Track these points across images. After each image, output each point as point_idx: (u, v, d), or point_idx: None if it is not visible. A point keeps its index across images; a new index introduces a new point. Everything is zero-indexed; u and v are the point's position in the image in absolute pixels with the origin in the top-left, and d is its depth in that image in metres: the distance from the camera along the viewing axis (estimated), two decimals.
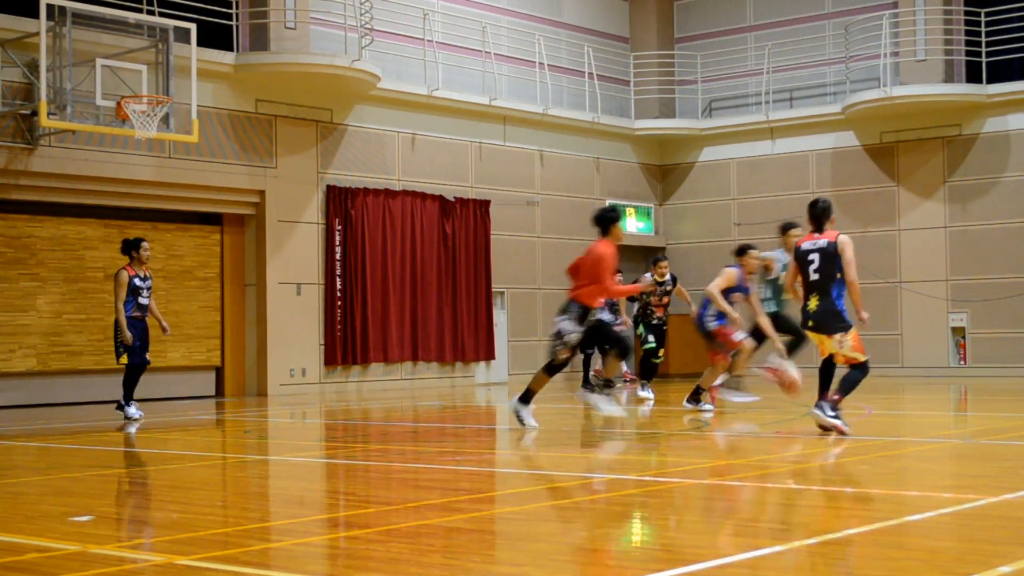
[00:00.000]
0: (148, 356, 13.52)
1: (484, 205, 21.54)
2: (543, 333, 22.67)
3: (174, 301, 17.98)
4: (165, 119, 15.39)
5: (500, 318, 21.97)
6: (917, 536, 5.55)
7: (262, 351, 18.58)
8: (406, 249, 20.26)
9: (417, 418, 14.01)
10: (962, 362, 21.60)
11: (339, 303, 19.33)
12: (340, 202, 19.42)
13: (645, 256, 24.67)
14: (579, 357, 16.74)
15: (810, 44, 23.75)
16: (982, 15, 21.47)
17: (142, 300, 13.35)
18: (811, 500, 6.63)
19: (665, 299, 16.15)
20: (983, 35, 21.48)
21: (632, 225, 24.44)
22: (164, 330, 13.73)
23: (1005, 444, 9.65)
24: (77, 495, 7.44)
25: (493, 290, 21.65)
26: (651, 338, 16.06)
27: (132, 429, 12.57)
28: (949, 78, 21.76)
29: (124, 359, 13.35)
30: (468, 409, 15.64)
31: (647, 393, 15.59)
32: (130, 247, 13.49)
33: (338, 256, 19.37)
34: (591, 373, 18.14)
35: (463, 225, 21.14)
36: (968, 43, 21.85)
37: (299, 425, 13.71)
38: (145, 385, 17.76)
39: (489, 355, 21.49)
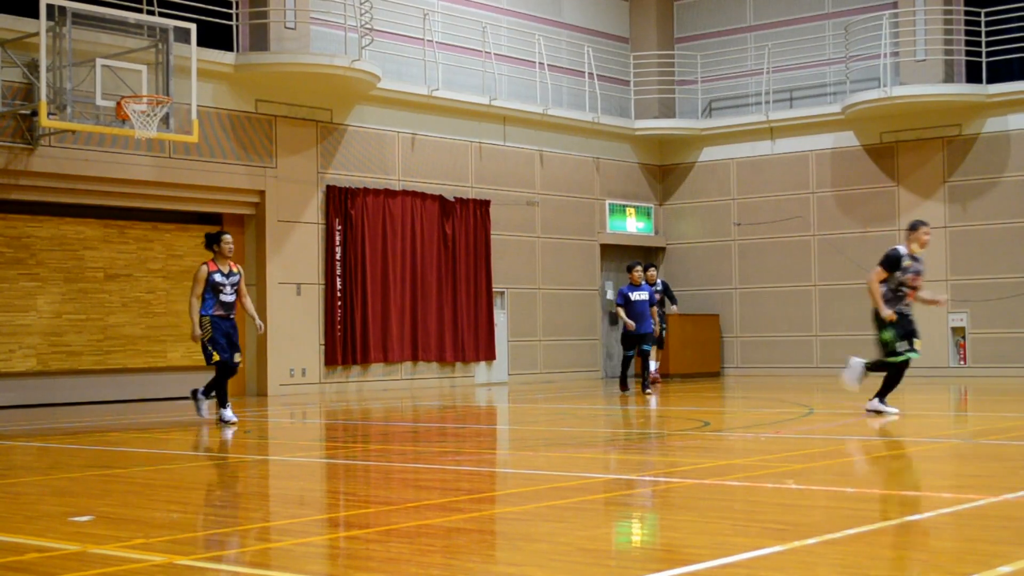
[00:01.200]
0: (237, 357, 12.64)
1: (484, 205, 21.54)
2: (543, 333, 22.68)
3: (174, 301, 17.99)
4: (165, 119, 15.39)
5: (500, 318, 21.97)
6: (917, 536, 5.55)
7: (262, 351, 18.58)
8: (406, 249, 20.26)
9: (417, 418, 14.01)
10: (962, 362, 21.60)
11: (339, 303, 19.33)
12: (340, 202, 19.42)
13: (645, 257, 24.69)
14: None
15: (810, 44, 23.75)
16: (982, 15, 21.47)
17: (224, 297, 12.46)
18: (811, 500, 6.63)
19: (918, 280, 12.10)
20: (983, 35, 21.48)
21: (632, 225, 24.45)
22: (258, 328, 12.77)
23: (1005, 444, 9.65)
24: (77, 495, 7.43)
25: (493, 290, 21.66)
26: (905, 344, 12.00)
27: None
28: (949, 78, 21.76)
29: (216, 357, 12.42)
30: (468, 409, 15.64)
31: (890, 408, 12.19)
32: (212, 241, 12.65)
33: (338, 256, 19.37)
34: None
35: (463, 225, 21.14)
36: (968, 43, 21.85)
37: (299, 425, 13.70)
38: (145, 385, 17.85)
39: (489, 355, 21.49)
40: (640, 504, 6.78)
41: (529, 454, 9.63)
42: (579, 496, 6.96)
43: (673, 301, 21.34)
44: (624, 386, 17.27)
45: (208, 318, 12.48)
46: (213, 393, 12.81)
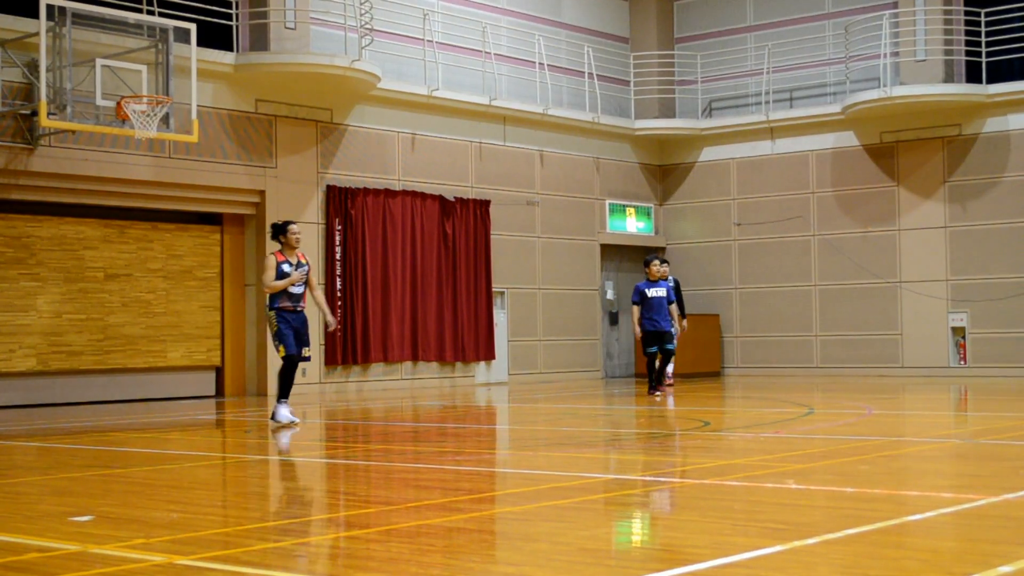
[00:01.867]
0: (307, 352, 12.25)
1: (484, 205, 21.54)
2: (543, 333, 22.68)
3: (174, 301, 18.00)
4: (165, 119, 15.39)
5: (500, 318, 21.97)
6: (917, 536, 5.55)
7: (262, 351, 18.57)
8: (406, 249, 20.26)
9: (417, 418, 14.01)
10: (962, 362, 21.60)
11: (339, 303, 19.33)
12: (340, 202, 19.42)
13: (645, 257, 24.67)
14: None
15: (810, 44, 23.75)
16: (982, 15, 21.47)
17: (292, 289, 12.04)
18: (811, 500, 6.63)
19: None
20: (983, 35, 21.48)
21: (632, 225, 24.45)
22: (327, 325, 12.47)
23: (1005, 444, 9.65)
24: (77, 495, 7.43)
25: (493, 290, 21.66)
26: None
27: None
28: (949, 78, 21.76)
29: (282, 351, 11.99)
30: (468, 409, 15.64)
31: None
32: (278, 232, 12.21)
33: (338, 256, 19.38)
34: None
35: (463, 225, 21.14)
36: (968, 43, 21.86)
37: (299, 425, 13.70)
38: (145, 385, 17.85)
39: (489, 355, 21.49)
40: (640, 504, 6.78)
41: (529, 454, 9.63)
42: (579, 496, 6.96)
43: (681, 312, 18.70)
44: (652, 387, 16.23)
45: (275, 312, 12.12)
46: (285, 396, 12.30)
